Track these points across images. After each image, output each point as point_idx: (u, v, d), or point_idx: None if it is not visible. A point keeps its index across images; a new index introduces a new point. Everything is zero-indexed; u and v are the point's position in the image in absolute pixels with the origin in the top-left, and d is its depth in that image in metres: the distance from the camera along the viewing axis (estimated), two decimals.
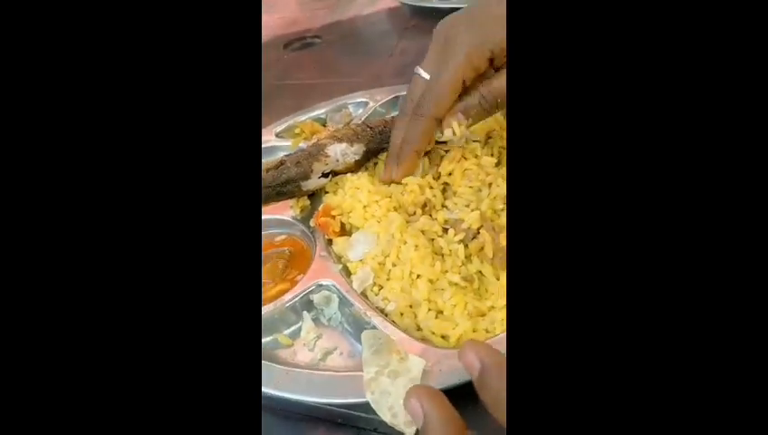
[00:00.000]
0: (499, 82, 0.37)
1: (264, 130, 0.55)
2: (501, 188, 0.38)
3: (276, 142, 0.54)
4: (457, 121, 0.38)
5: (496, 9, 0.37)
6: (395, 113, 0.53)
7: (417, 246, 0.35)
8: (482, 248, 0.34)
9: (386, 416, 0.26)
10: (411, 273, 0.34)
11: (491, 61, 0.36)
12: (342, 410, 0.29)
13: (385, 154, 0.46)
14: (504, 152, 0.43)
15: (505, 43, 0.35)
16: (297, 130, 0.55)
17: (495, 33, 0.36)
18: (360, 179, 0.41)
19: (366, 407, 0.28)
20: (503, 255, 0.34)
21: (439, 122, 0.38)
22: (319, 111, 0.58)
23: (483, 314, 0.31)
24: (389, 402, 0.26)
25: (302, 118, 0.57)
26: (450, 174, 0.40)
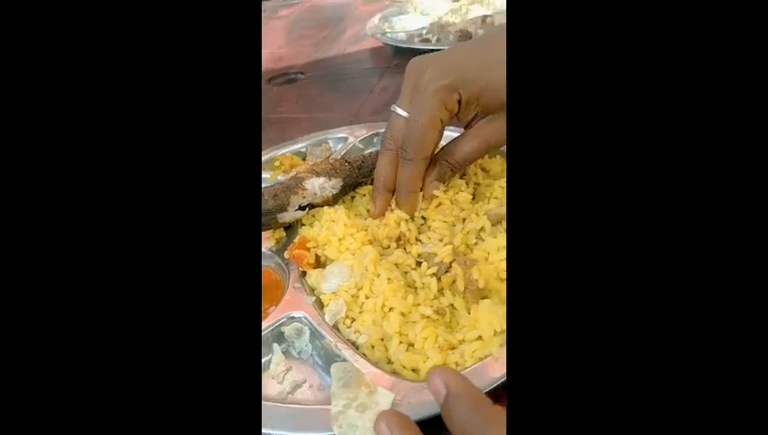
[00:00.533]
0: (461, 148, 0.40)
1: None
2: (474, 223, 0.39)
3: None
4: (437, 190, 0.40)
5: (465, 52, 0.39)
6: (373, 149, 0.54)
7: (390, 279, 0.35)
8: (453, 282, 0.35)
9: None
10: (384, 306, 0.34)
11: (459, 102, 0.38)
12: None
13: (363, 188, 0.47)
14: (479, 188, 0.44)
15: (473, 86, 0.37)
16: (277, 163, 0.56)
17: (463, 75, 0.37)
18: (337, 212, 0.42)
19: None
20: (474, 288, 0.34)
21: (428, 160, 0.40)
22: (299, 145, 0.59)
23: (453, 347, 0.32)
24: None
25: (283, 151, 0.58)
26: (426, 208, 0.41)
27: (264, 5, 1.35)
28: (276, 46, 1.01)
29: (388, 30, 0.91)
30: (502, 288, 0.35)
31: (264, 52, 0.98)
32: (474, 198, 0.43)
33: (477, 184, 0.45)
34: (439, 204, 0.41)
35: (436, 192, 0.40)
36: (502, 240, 0.36)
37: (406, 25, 0.93)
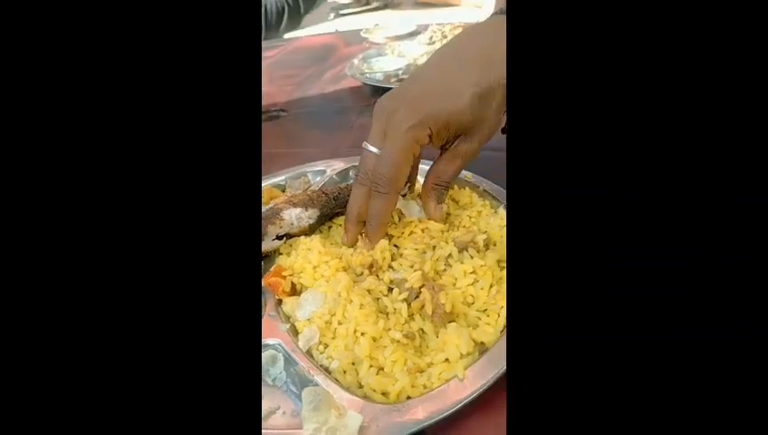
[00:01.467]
0: (446, 169, 0.43)
1: None
2: (444, 250, 0.41)
3: None
4: (440, 211, 0.44)
5: (431, 84, 0.42)
6: (349, 181, 0.56)
7: (362, 304, 0.36)
8: (423, 306, 0.36)
9: None
10: (355, 331, 0.35)
11: (430, 137, 0.40)
12: None
13: (339, 218, 0.49)
14: (449, 218, 0.46)
15: (441, 116, 0.40)
16: None
17: (431, 110, 0.40)
18: (313, 241, 0.43)
19: None
20: (441, 312, 0.35)
21: (399, 194, 0.43)
22: (279, 179, 0.61)
23: (421, 370, 0.33)
24: None
25: (263, 184, 0.60)
26: (399, 236, 0.43)
27: None
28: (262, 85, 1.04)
29: (366, 71, 0.96)
30: (468, 312, 0.36)
31: None
32: (446, 227, 0.45)
33: (448, 214, 0.47)
34: (411, 232, 0.43)
35: (415, 218, 0.43)
36: (468, 266, 0.38)
37: (384, 66, 0.97)
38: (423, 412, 0.30)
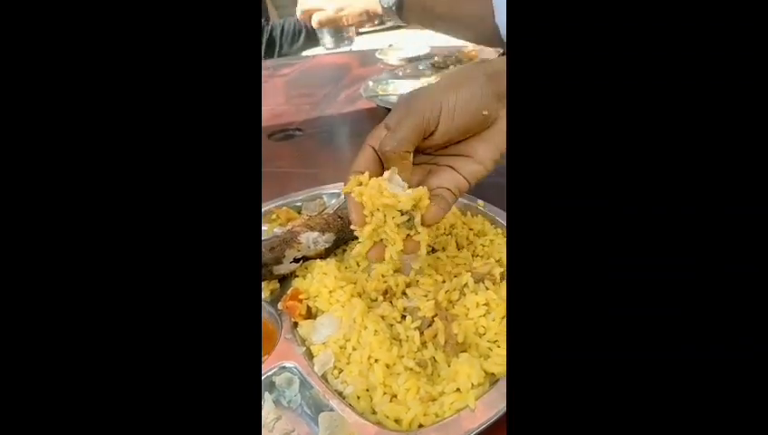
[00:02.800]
0: (462, 174, 0.40)
1: None
2: (460, 280, 0.42)
3: None
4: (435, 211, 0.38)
5: (451, 79, 0.40)
6: None
7: (376, 331, 0.38)
8: (435, 335, 0.37)
9: None
10: (370, 357, 0.36)
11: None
12: None
13: (353, 243, 0.50)
14: (465, 242, 0.48)
15: (457, 101, 0.38)
16: (273, 216, 0.59)
17: (448, 96, 0.38)
18: (329, 265, 0.45)
19: None
20: (453, 342, 0.37)
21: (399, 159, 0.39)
22: (295, 199, 0.62)
23: (434, 399, 0.34)
24: None
25: (279, 203, 0.61)
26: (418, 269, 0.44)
27: (266, 64, 1.43)
28: (276, 103, 1.06)
29: (381, 93, 0.98)
30: (480, 343, 0.37)
31: (264, 108, 1.03)
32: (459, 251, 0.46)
33: (470, 241, 0.48)
34: (437, 258, 0.44)
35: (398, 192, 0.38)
36: (482, 297, 0.39)
37: (398, 88, 0.99)
38: None
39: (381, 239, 0.39)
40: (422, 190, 0.37)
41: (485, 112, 0.39)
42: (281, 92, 1.15)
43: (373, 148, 0.40)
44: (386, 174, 0.38)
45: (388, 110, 0.90)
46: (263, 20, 1.64)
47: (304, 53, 1.67)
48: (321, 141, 0.86)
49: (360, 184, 0.38)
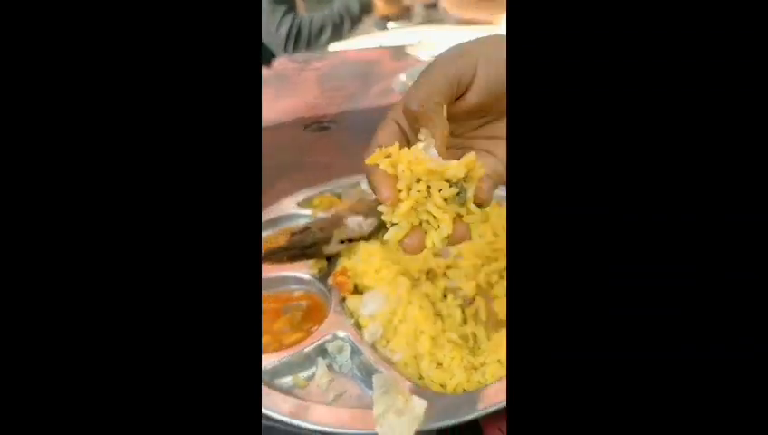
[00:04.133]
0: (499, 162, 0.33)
1: (286, 200, 0.62)
2: (499, 262, 0.45)
3: (296, 211, 0.61)
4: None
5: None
6: None
7: (421, 307, 0.41)
8: (476, 313, 0.40)
9: None
10: (416, 329, 0.39)
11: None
12: None
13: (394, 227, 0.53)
14: (501, 230, 0.50)
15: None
16: (316, 202, 0.63)
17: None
18: (373, 246, 0.48)
19: None
20: (495, 319, 0.40)
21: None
22: (333, 186, 0.66)
23: (476, 368, 0.37)
24: None
25: (318, 191, 0.65)
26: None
27: (298, 57, 1.47)
28: (311, 96, 1.10)
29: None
30: None
31: (300, 100, 1.07)
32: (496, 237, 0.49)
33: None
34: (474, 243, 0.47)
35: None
36: None
37: None
38: (478, 404, 0.34)
39: (420, 222, 0.29)
40: (472, 157, 0.28)
41: None
42: (314, 85, 1.19)
43: (397, 122, 0.32)
44: (420, 143, 0.29)
45: None
46: (292, 14, 1.67)
47: (330, 48, 1.70)
48: (354, 134, 0.90)
49: (389, 156, 0.29)
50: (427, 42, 1.35)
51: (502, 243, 0.48)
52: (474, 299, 0.41)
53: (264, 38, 1.63)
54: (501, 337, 0.38)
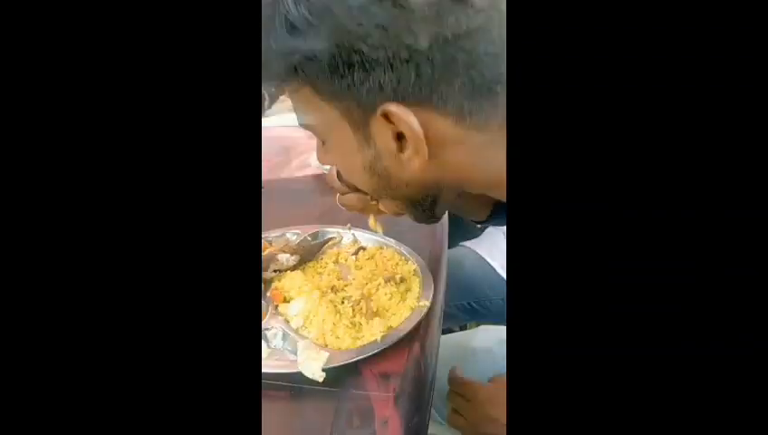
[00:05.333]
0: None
1: None
2: (377, 281, 0.72)
3: None
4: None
5: None
6: (316, 241, 0.87)
7: (327, 307, 0.66)
8: (360, 310, 0.67)
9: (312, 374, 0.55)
10: (324, 320, 0.65)
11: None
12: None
13: (312, 262, 0.79)
14: (381, 264, 0.78)
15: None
16: None
17: None
18: (296, 273, 0.73)
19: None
20: (370, 313, 0.66)
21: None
22: (266, 235, 0.90)
23: (358, 338, 0.63)
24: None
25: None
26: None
27: None
28: None
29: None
30: (386, 313, 0.67)
31: None
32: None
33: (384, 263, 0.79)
34: (361, 267, 0.74)
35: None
36: (387, 290, 0.69)
37: None
38: (358, 355, 0.59)
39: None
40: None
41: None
42: None
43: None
44: None
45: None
46: None
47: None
48: (279, 196, 1.15)
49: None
50: None
51: (381, 271, 0.75)
52: (359, 301, 0.68)
53: None
54: (375, 323, 0.64)
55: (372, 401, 0.54)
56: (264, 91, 1.99)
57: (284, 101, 2.09)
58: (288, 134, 1.65)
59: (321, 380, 0.54)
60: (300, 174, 1.29)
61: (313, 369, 0.56)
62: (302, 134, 1.68)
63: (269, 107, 2.03)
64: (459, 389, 0.73)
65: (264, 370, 0.57)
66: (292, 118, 1.80)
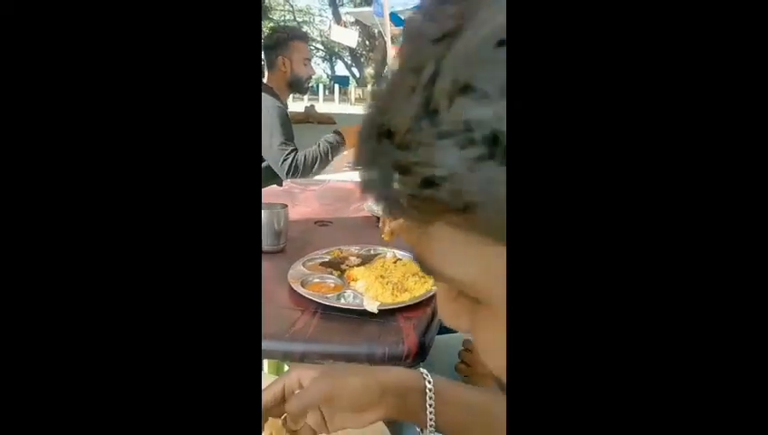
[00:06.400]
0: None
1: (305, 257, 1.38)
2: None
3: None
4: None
5: None
6: (370, 253, 1.38)
7: (378, 284, 1.16)
8: (396, 288, 1.17)
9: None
10: (376, 291, 1.14)
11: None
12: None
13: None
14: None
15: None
16: (334, 253, 1.38)
17: None
18: (360, 268, 1.24)
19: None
20: (401, 289, 1.15)
21: None
22: (335, 248, 1.42)
23: (396, 296, 1.12)
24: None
25: (328, 250, 1.40)
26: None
27: (300, 181, 2.29)
28: (314, 207, 1.90)
29: (376, 209, 1.83)
30: (411, 289, 1.16)
31: (306, 210, 1.86)
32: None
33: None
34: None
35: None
36: (414, 279, 1.19)
37: None
38: (394, 304, 1.08)
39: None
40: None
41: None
42: (315, 201, 2.00)
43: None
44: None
45: (378, 218, 1.74)
46: (294, 153, 2.49)
47: (317, 177, 2.53)
48: (341, 229, 1.69)
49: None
50: None
51: (409, 270, 1.25)
52: (396, 284, 1.17)
53: (273, 166, 2.40)
54: (404, 294, 1.13)
55: (401, 324, 1.02)
56: (327, 149, 2.56)
57: (342, 159, 2.69)
58: (346, 187, 2.23)
59: (376, 311, 1.03)
60: (355, 215, 1.84)
61: (372, 307, 1.05)
62: (355, 187, 2.25)
63: (332, 159, 2.58)
64: (467, 346, 1.17)
65: (343, 307, 1.07)
66: (351, 175, 2.35)
